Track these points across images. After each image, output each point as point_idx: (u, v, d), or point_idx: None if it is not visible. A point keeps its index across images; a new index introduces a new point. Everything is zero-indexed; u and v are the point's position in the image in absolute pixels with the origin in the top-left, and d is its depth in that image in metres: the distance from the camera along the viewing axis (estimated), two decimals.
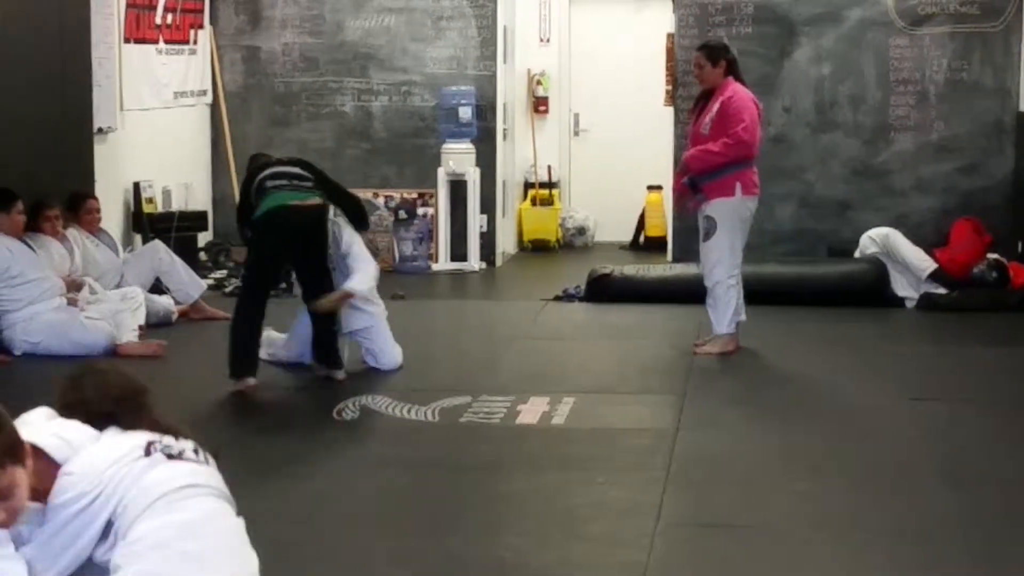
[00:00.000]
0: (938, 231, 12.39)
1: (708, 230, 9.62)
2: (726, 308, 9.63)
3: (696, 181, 9.60)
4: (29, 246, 9.84)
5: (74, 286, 10.13)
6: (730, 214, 9.56)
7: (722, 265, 9.59)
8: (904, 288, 11.68)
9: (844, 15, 13.16)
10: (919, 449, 7.32)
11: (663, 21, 14.58)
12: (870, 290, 11.65)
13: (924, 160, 13.13)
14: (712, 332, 9.75)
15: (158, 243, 11.41)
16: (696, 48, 10.15)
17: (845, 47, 13.19)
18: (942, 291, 11.58)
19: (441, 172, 13.97)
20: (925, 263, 11.66)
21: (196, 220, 12.98)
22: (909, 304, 11.61)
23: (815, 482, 6.70)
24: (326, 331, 8.70)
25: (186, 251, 12.01)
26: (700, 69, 9.64)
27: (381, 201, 14.21)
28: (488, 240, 14.29)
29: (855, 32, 13.17)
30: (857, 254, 12.11)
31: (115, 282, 10.73)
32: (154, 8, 12.87)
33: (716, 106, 9.50)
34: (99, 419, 3.31)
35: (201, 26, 13.96)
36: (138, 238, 12.37)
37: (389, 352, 9.01)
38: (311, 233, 8.66)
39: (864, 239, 12.09)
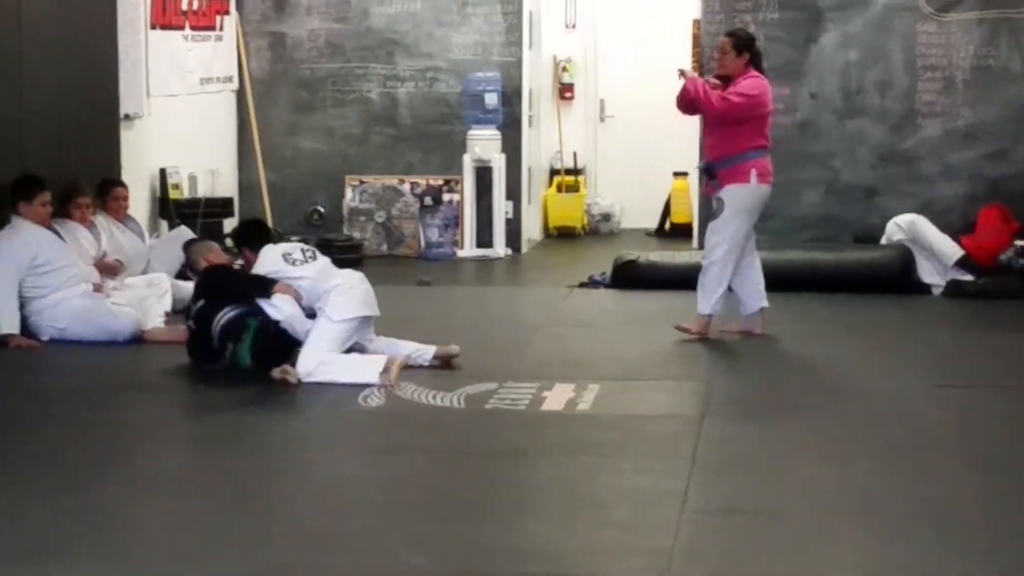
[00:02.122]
0: (965, 218, 12.36)
1: (716, 211, 9.66)
2: (715, 289, 9.66)
3: (712, 167, 9.67)
4: (57, 233, 9.85)
5: (109, 270, 10.15)
6: (742, 200, 9.58)
7: (722, 248, 9.61)
8: (931, 275, 11.66)
9: (871, 1, 13.11)
10: (945, 435, 7.30)
11: (689, 7, 14.54)
12: (896, 277, 11.62)
13: (951, 146, 13.08)
14: (697, 311, 9.75)
15: (184, 229, 11.43)
16: (724, 33, 10.18)
17: (872, 33, 13.15)
18: (969, 278, 11.55)
19: (467, 158, 13.97)
20: (952, 250, 11.63)
21: (222, 206, 12.98)
22: (936, 291, 11.59)
23: (841, 468, 6.68)
24: None
25: (212, 237, 11.95)
26: (723, 55, 9.69)
27: (407, 187, 14.22)
28: (514, 227, 14.29)
29: (882, 18, 13.13)
30: (883, 240, 12.08)
31: (141, 268, 10.76)
32: None
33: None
34: None
35: (227, 12, 13.97)
36: (164, 224, 12.39)
37: (300, 355, 8.49)
38: None
39: (890, 226, 12.06)
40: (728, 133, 9.57)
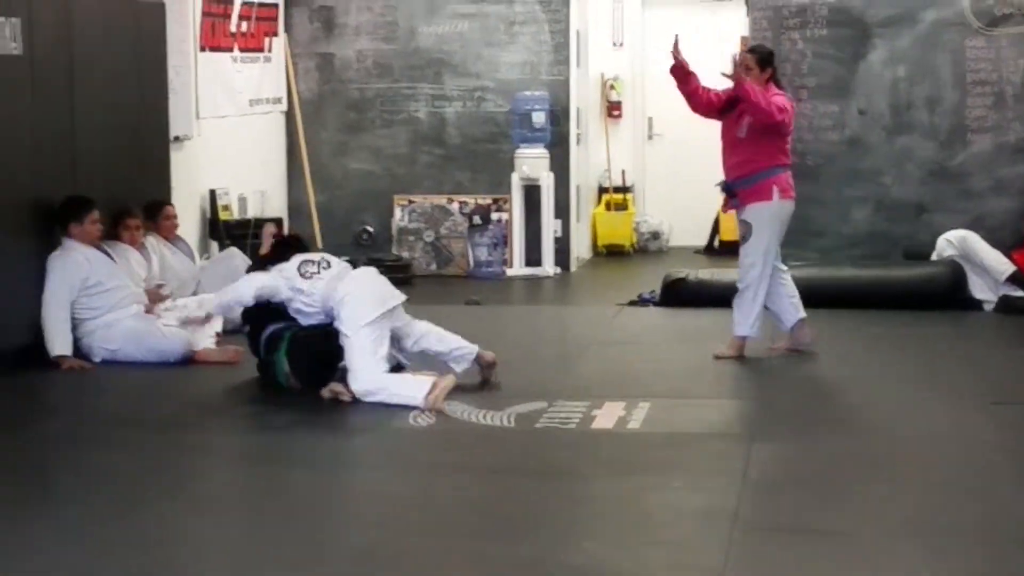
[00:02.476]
0: (1016, 233, 12.27)
1: (744, 235, 9.64)
2: (751, 310, 9.61)
3: (732, 186, 9.66)
4: (107, 254, 9.91)
5: (157, 298, 10.17)
6: (767, 218, 9.55)
7: (756, 269, 9.58)
8: (982, 291, 11.60)
9: (919, 16, 13.05)
10: (998, 453, 7.25)
11: (737, 24, 14.53)
12: (947, 293, 11.57)
13: (1001, 162, 12.99)
14: (733, 333, 9.71)
15: (234, 250, 11.48)
16: (746, 50, 10.17)
17: (920, 49, 13.09)
18: (1020, 294, 11.49)
19: (515, 177, 13.99)
20: (1003, 265, 11.57)
21: None
22: (987, 307, 11.53)
23: (893, 486, 6.65)
24: None
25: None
26: (748, 71, 9.62)
27: (455, 207, 14.25)
28: (562, 245, 14.31)
29: (930, 33, 13.06)
30: (934, 257, 12.03)
31: (191, 289, 10.80)
32: (229, 16, 12.96)
33: None
34: None
35: (276, 34, 14.04)
36: (214, 245, 12.45)
37: (352, 376, 8.48)
38: None
39: (941, 241, 12.01)
40: (756, 151, 9.53)
